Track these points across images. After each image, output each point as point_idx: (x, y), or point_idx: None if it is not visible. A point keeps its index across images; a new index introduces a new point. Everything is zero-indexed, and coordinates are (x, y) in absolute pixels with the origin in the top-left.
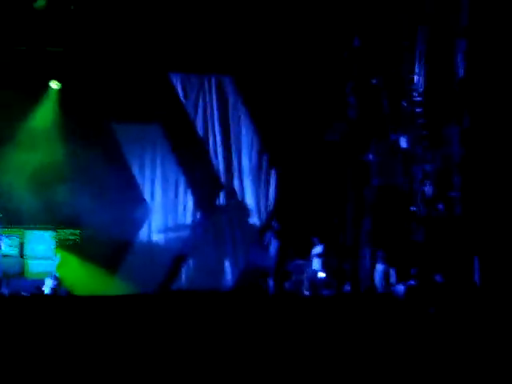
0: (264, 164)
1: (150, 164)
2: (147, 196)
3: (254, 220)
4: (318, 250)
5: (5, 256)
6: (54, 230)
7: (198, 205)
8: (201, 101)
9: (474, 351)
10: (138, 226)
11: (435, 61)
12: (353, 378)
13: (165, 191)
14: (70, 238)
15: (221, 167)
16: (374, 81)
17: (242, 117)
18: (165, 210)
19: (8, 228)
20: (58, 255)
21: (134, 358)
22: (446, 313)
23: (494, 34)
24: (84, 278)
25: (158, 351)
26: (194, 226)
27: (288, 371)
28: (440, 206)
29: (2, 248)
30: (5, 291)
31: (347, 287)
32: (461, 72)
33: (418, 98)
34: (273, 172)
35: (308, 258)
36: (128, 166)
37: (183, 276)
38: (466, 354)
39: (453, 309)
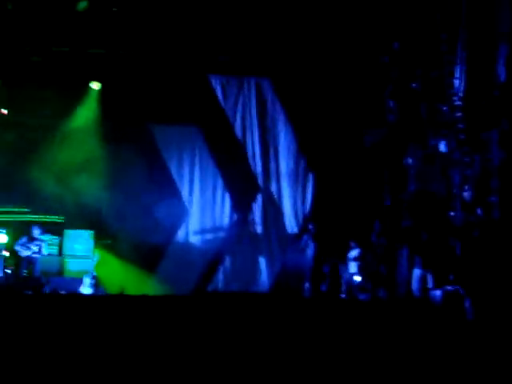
0: (301, 167)
1: (188, 166)
2: (185, 197)
3: (291, 223)
4: (354, 253)
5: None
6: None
7: (235, 207)
8: (240, 103)
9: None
10: (176, 228)
11: (476, 65)
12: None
13: (202, 193)
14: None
15: (258, 169)
16: (413, 85)
17: (281, 119)
18: (202, 212)
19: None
20: (97, 254)
21: (172, 358)
22: (484, 319)
23: None
24: (122, 278)
25: (194, 352)
26: (231, 228)
27: (323, 374)
28: (479, 211)
29: (44, 252)
30: (44, 289)
31: (383, 291)
32: (502, 77)
33: (458, 103)
34: (310, 175)
35: (344, 261)
36: (166, 168)
37: (219, 278)
38: (502, 361)
39: (490, 315)
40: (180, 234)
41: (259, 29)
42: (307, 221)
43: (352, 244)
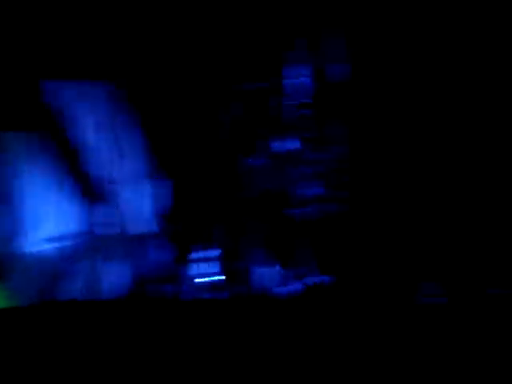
0: (152, 168)
1: (31, 173)
2: (29, 207)
3: (145, 225)
4: (208, 253)
5: None
6: None
7: (81, 213)
8: (81, 107)
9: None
10: (21, 237)
11: (320, 62)
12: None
13: (46, 201)
14: None
15: (103, 174)
16: (258, 83)
17: (127, 122)
18: (49, 220)
19: None
20: None
21: (23, 369)
22: (338, 312)
23: (379, 36)
24: None
25: (43, 364)
26: (81, 234)
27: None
28: (325, 207)
29: None
30: None
31: (237, 289)
32: (346, 73)
33: (302, 100)
34: (159, 177)
35: (199, 261)
36: (6, 177)
37: (71, 286)
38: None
39: (343, 308)
40: (27, 244)
41: (100, 30)
42: (162, 222)
43: (206, 244)
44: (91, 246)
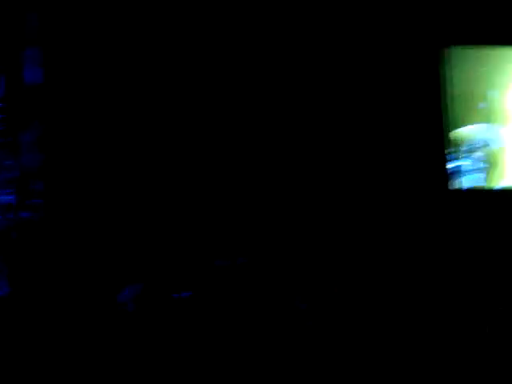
0: None
1: None
2: None
3: None
4: None
5: None
6: None
7: None
8: None
9: None
10: None
11: (7, 68)
12: None
13: None
14: None
15: None
16: None
17: None
18: None
19: None
20: None
21: None
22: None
23: (67, 41)
24: None
25: None
26: None
27: None
28: (22, 214)
29: None
30: None
31: None
32: (30, 79)
33: None
34: None
35: None
36: None
37: None
38: None
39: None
40: None
41: None
42: None
43: None
44: None
